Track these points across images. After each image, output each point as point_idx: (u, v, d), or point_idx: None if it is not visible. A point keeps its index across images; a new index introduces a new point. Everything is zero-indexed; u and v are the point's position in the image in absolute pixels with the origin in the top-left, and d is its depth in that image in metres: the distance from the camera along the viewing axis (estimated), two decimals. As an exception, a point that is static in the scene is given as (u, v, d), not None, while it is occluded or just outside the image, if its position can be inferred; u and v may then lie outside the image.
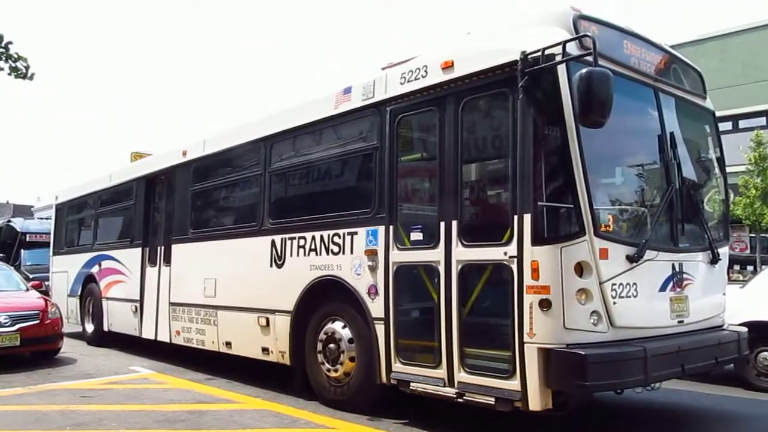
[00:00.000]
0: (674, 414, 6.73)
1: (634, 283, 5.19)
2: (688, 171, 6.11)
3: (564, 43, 4.91)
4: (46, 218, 21.54)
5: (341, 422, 6.09)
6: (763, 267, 20.54)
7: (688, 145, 6.24)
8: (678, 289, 5.67)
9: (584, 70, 4.65)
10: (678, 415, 6.71)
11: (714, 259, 6.18)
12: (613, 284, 5.03)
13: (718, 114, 6.88)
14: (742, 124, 22.48)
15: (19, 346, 9.45)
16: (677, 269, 5.67)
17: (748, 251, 21.72)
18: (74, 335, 12.74)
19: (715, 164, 6.82)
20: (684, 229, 5.79)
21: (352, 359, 6.47)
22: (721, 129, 6.99)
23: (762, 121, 22.38)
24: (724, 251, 6.42)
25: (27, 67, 6.89)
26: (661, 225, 5.64)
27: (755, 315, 7.64)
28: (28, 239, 21.72)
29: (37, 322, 9.72)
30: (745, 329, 6.44)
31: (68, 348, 10.99)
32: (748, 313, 7.57)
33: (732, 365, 7.66)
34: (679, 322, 5.66)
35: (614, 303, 5.01)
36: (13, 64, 6.79)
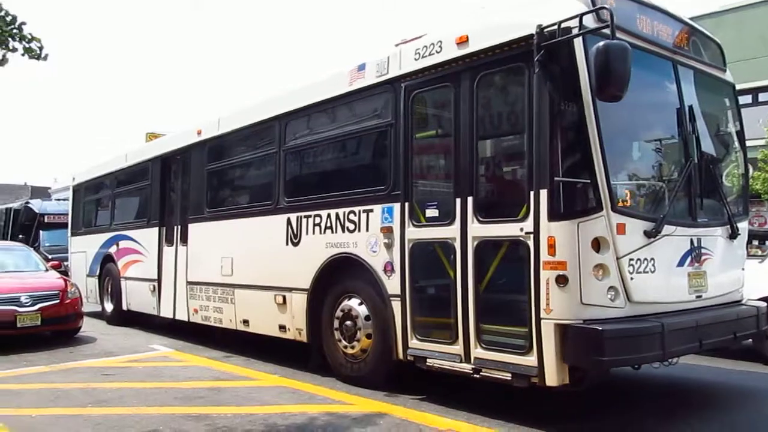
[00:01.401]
0: (692, 389, 6.71)
1: (652, 259, 5.15)
2: (707, 145, 6.03)
3: (581, 16, 4.84)
4: (64, 199, 21.67)
5: (358, 398, 6.14)
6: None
7: (707, 119, 6.15)
8: (696, 264, 5.62)
9: (601, 44, 4.58)
10: (696, 390, 6.70)
11: (733, 234, 6.12)
12: (631, 259, 4.99)
13: (737, 87, 6.76)
14: (762, 97, 22.12)
15: (40, 326, 9.60)
16: (695, 244, 5.62)
17: (767, 226, 21.46)
18: (94, 315, 12.90)
19: (735, 138, 6.72)
20: (702, 203, 5.73)
21: (368, 336, 6.50)
22: (740, 102, 6.88)
23: (782, 94, 22.00)
24: (743, 226, 6.36)
25: (41, 48, 6.87)
26: (679, 200, 5.57)
27: None
28: (46, 220, 21.90)
29: (57, 301, 9.86)
30: (764, 304, 6.38)
31: (88, 327, 11.15)
32: (766, 288, 7.49)
33: (750, 340, 7.62)
34: (697, 297, 5.62)
35: (631, 278, 4.98)
36: (27, 45, 6.78)
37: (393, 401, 6.00)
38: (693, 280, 5.58)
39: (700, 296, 5.66)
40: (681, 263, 5.49)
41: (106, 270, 12.79)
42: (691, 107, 5.74)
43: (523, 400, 5.74)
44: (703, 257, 5.69)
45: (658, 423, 5.41)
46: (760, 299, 6.69)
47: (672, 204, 5.42)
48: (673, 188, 5.52)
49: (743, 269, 6.40)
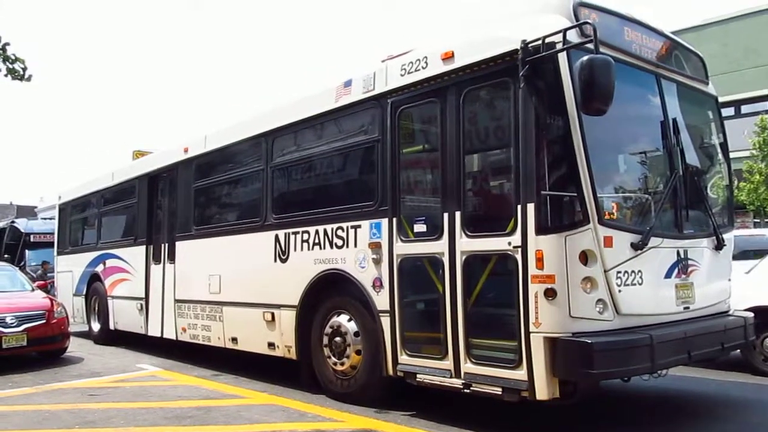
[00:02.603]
0: (681, 400, 6.72)
1: (639, 271, 5.18)
2: (692, 157, 6.07)
3: (564, 31, 4.89)
4: (50, 218, 21.56)
5: (349, 415, 6.10)
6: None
7: (691, 131, 6.21)
8: (683, 276, 5.65)
9: (585, 58, 4.62)
10: (685, 401, 6.70)
11: (719, 245, 6.16)
12: (618, 272, 5.01)
13: (720, 99, 6.84)
14: (744, 109, 22.40)
15: (26, 346, 9.48)
16: (682, 256, 5.66)
17: (752, 237, 21.62)
18: (81, 334, 12.78)
19: (719, 150, 6.78)
20: (688, 215, 5.78)
21: (358, 352, 6.47)
22: (723, 114, 6.95)
23: (765, 105, 22.26)
24: (729, 237, 6.40)
25: (24, 69, 6.89)
26: (665, 212, 5.61)
27: (761, 300, 7.61)
28: (32, 239, 21.76)
29: (44, 321, 9.75)
30: (751, 314, 6.42)
31: (75, 347, 11.03)
32: (755, 298, 7.55)
33: (739, 351, 7.64)
34: (684, 308, 5.64)
35: (619, 291, 5.00)
36: (11, 66, 6.78)
37: (383, 418, 5.96)
38: (680, 292, 5.61)
39: (688, 308, 5.68)
40: (668, 275, 5.52)
41: (93, 289, 12.68)
42: (674, 120, 5.79)
43: (515, 414, 5.72)
44: (689, 269, 5.73)
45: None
46: (747, 309, 6.73)
47: (658, 216, 5.46)
48: (659, 200, 5.56)
49: (730, 280, 6.44)
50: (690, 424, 5.72)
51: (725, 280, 6.37)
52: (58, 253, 14.93)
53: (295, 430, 5.62)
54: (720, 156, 6.80)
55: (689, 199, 5.81)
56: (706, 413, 6.21)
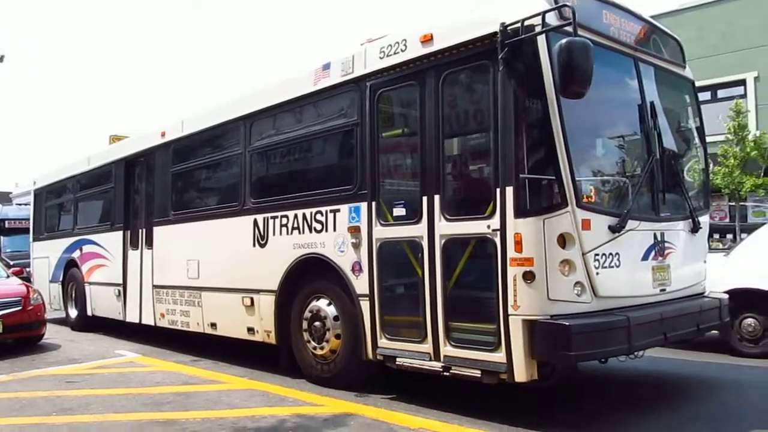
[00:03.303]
0: (658, 381, 6.81)
1: (617, 253, 5.22)
2: (669, 141, 6.13)
3: (543, 14, 4.87)
4: (25, 204, 21.27)
5: (329, 399, 6.11)
6: (744, 235, 20.82)
7: (668, 115, 6.25)
8: (660, 258, 5.71)
9: (564, 41, 4.62)
10: (662, 382, 6.80)
11: (695, 228, 6.23)
12: (596, 255, 5.05)
13: (697, 84, 6.88)
14: (720, 93, 22.54)
15: (1, 334, 9.41)
16: (659, 238, 5.71)
17: (727, 220, 21.89)
18: (58, 321, 12.69)
19: (695, 133, 6.84)
20: (665, 198, 5.83)
21: (337, 336, 6.47)
22: (700, 99, 7.00)
23: (740, 90, 22.45)
24: (704, 220, 6.47)
25: (-4, 50, 6.71)
26: (642, 195, 5.66)
27: (739, 282, 7.73)
28: (7, 226, 21.47)
29: (20, 308, 9.65)
30: (725, 296, 6.51)
31: (52, 334, 10.95)
32: (733, 281, 7.66)
33: (717, 332, 7.77)
34: (661, 290, 5.71)
35: (597, 273, 5.04)
36: (-18, 47, 6.63)
37: (363, 401, 5.98)
38: (657, 274, 5.67)
39: (664, 290, 5.75)
40: (645, 257, 5.57)
41: (70, 275, 12.56)
42: (652, 103, 5.83)
43: (494, 396, 5.76)
44: (666, 251, 5.78)
45: (627, 414, 5.48)
46: (726, 291, 6.81)
47: (635, 199, 5.49)
48: (636, 183, 5.60)
49: (705, 262, 6.52)
50: (666, 405, 5.80)
51: (701, 263, 6.44)
52: (34, 239, 14.75)
53: (275, 415, 5.61)
54: (696, 140, 6.86)
55: (666, 182, 5.86)
56: (682, 394, 6.30)
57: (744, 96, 22.23)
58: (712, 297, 6.36)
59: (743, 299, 7.57)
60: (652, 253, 5.64)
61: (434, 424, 5.19)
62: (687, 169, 6.64)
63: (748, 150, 20.14)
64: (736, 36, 22.21)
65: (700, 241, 6.41)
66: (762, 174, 20.70)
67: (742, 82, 22.55)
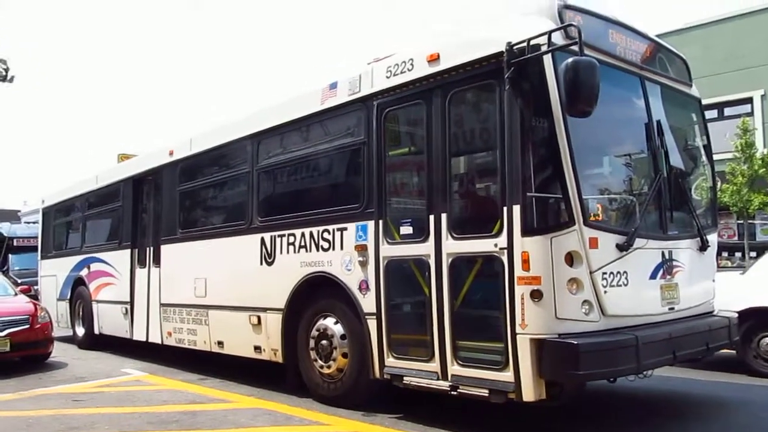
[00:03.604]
0: (668, 401, 6.75)
1: (625, 272, 5.20)
2: (676, 159, 6.12)
3: (549, 33, 4.90)
4: (34, 222, 21.39)
5: (336, 418, 6.08)
6: (753, 253, 20.71)
7: (675, 133, 6.25)
8: (668, 277, 5.68)
9: (570, 60, 4.64)
10: (671, 401, 6.73)
11: (703, 246, 6.20)
12: (604, 273, 5.03)
13: (704, 102, 6.89)
14: (727, 111, 22.57)
15: (8, 352, 9.39)
16: (667, 257, 5.69)
17: (735, 238, 21.82)
18: (65, 339, 12.68)
19: (702, 152, 6.84)
20: (672, 216, 5.82)
21: (344, 355, 6.45)
22: (707, 117, 7.01)
23: (747, 108, 22.47)
24: (712, 238, 6.44)
25: (6, 70, 6.80)
26: (649, 213, 5.66)
27: (756, 301, 7.62)
28: (15, 244, 21.56)
29: (27, 326, 9.65)
30: (735, 315, 6.47)
31: (59, 352, 10.93)
32: (750, 299, 7.59)
33: (734, 352, 7.69)
34: (669, 309, 5.68)
35: (605, 292, 5.02)
36: (-7, 67, 6.70)
37: (371, 421, 5.95)
38: (665, 293, 5.64)
39: (673, 308, 5.72)
40: (653, 276, 5.55)
41: (78, 293, 12.58)
42: (659, 122, 5.83)
43: (501, 415, 5.72)
44: (674, 269, 5.76)
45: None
46: (743, 310, 6.72)
47: (643, 217, 5.49)
48: (644, 202, 5.60)
49: (714, 280, 6.48)
50: (675, 424, 5.75)
51: (709, 281, 6.41)
52: (42, 257, 14.80)
53: (281, 434, 5.59)
54: (704, 157, 6.86)
55: (673, 200, 5.85)
56: (692, 413, 6.24)
57: (751, 114, 22.24)
58: (722, 316, 6.32)
59: (760, 318, 7.49)
60: (661, 272, 5.61)
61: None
62: (694, 187, 6.63)
63: (755, 168, 20.11)
64: (742, 54, 22.26)
65: (708, 260, 6.38)
66: (771, 191, 20.65)
67: (749, 100, 22.58)
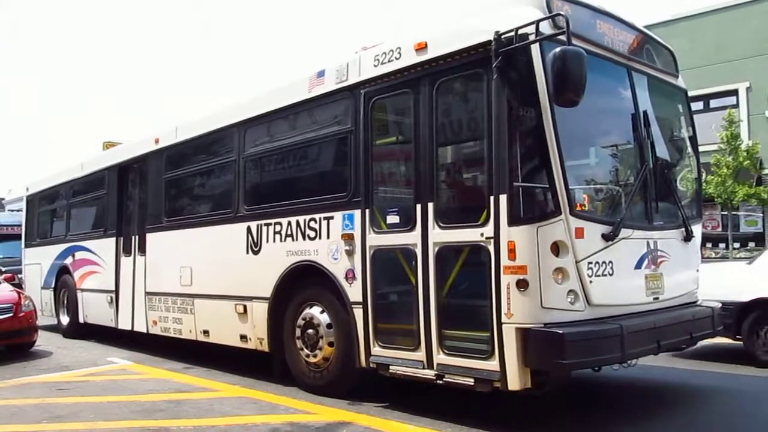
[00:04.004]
0: (651, 390, 6.78)
1: (610, 261, 5.23)
2: (662, 150, 6.15)
3: (537, 23, 4.90)
4: (18, 210, 21.18)
5: (321, 407, 6.09)
6: (736, 244, 20.91)
7: (661, 124, 6.28)
8: (653, 267, 5.72)
9: (558, 49, 4.64)
10: (654, 391, 6.76)
11: (688, 237, 6.24)
12: (590, 263, 5.06)
13: (690, 94, 6.92)
14: (713, 103, 22.69)
15: (-8, 340, 9.30)
16: (652, 247, 5.73)
17: (720, 229, 22.00)
18: (50, 328, 12.61)
19: (688, 143, 6.87)
20: (658, 207, 5.86)
21: (330, 344, 6.45)
22: (693, 108, 7.04)
23: (732, 100, 22.61)
24: (697, 228, 6.49)
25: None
26: (635, 203, 5.68)
27: (764, 291, 7.59)
28: (-1, 232, 21.33)
29: (11, 315, 9.58)
30: (718, 305, 6.51)
31: (43, 341, 10.88)
32: (757, 290, 7.59)
33: (742, 343, 7.77)
34: (654, 299, 5.72)
35: (591, 281, 5.04)
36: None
37: (357, 409, 5.96)
38: (650, 282, 5.68)
39: (657, 298, 5.76)
40: (638, 266, 5.58)
41: (62, 282, 12.49)
42: (645, 113, 5.85)
43: (486, 403, 5.75)
44: (659, 259, 5.80)
45: (619, 423, 5.48)
46: (750, 301, 6.70)
47: (629, 207, 5.52)
48: (630, 192, 5.62)
49: (698, 270, 6.53)
50: (659, 413, 5.80)
51: (694, 271, 6.46)
52: (26, 246, 14.69)
53: (267, 423, 5.58)
54: (689, 149, 6.89)
55: (659, 191, 5.89)
56: (676, 402, 6.29)
57: (736, 106, 22.39)
58: (705, 305, 6.37)
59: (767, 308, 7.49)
60: (645, 262, 5.65)
61: (427, 433, 5.17)
62: (680, 178, 6.67)
63: (740, 159, 20.28)
64: (728, 46, 22.38)
65: (692, 250, 6.44)
66: (754, 183, 20.84)
67: (735, 92, 22.71)
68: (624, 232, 5.31)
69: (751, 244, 21.52)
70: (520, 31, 4.95)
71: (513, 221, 4.90)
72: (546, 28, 4.97)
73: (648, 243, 5.69)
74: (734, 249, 20.79)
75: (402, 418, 5.61)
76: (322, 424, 5.52)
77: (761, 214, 21.61)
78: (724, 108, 21.75)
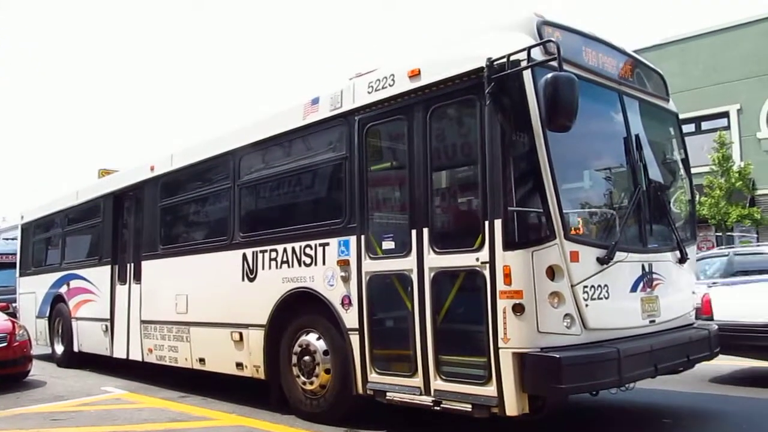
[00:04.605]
0: (648, 414, 6.75)
1: (606, 285, 5.23)
2: (655, 173, 6.17)
3: (529, 49, 4.96)
4: (12, 239, 21.11)
5: (318, 436, 6.05)
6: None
7: (654, 147, 6.33)
8: (648, 289, 5.72)
9: (549, 75, 4.70)
10: (651, 414, 6.72)
11: (682, 259, 6.25)
12: (585, 286, 5.06)
13: (681, 116, 6.99)
14: (704, 125, 22.91)
15: (-14, 370, 9.22)
16: (647, 269, 5.73)
17: (715, 250, 22.08)
18: (44, 357, 12.51)
19: (680, 165, 6.92)
20: (652, 229, 5.88)
21: (327, 371, 6.41)
22: (684, 131, 7.10)
23: (724, 122, 22.83)
24: (691, 250, 6.51)
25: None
26: (629, 226, 5.70)
27: None
28: (-7, 260, 21.23)
29: (5, 345, 9.51)
30: (715, 326, 6.51)
31: (38, 370, 10.78)
32: None
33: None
34: (650, 321, 5.71)
35: (587, 305, 5.04)
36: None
37: (352, 438, 5.93)
38: (646, 305, 5.68)
39: (653, 321, 5.75)
40: (634, 288, 5.59)
41: (57, 311, 12.41)
42: (637, 136, 5.89)
43: (485, 429, 5.71)
44: (654, 282, 5.80)
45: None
46: None
47: (623, 230, 5.53)
48: (624, 215, 5.64)
49: (694, 293, 6.55)
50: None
51: (689, 293, 6.47)
52: (21, 275, 14.60)
53: (263, 452, 5.55)
54: (682, 171, 6.94)
55: (653, 213, 5.91)
56: (672, 427, 6.25)
57: (728, 128, 22.61)
58: (701, 327, 6.37)
59: None
60: (641, 285, 5.65)
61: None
62: (673, 200, 6.69)
63: (733, 181, 20.42)
64: (718, 69, 22.64)
65: (687, 272, 6.44)
66: (747, 204, 20.96)
67: (726, 114, 22.95)
68: (619, 255, 5.33)
69: (746, 265, 21.52)
70: (512, 58, 5.00)
71: (508, 246, 4.91)
72: (537, 54, 5.02)
73: (643, 266, 5.70)
74: None
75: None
76: (318, 453, 5.48)
77: (755, 235, 21.68)
78: (715, 130, 21.95)
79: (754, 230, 21.58)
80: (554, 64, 4.81)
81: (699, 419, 6.56)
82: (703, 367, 6.66)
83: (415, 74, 5.78)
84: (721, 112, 22.86)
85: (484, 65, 5.08)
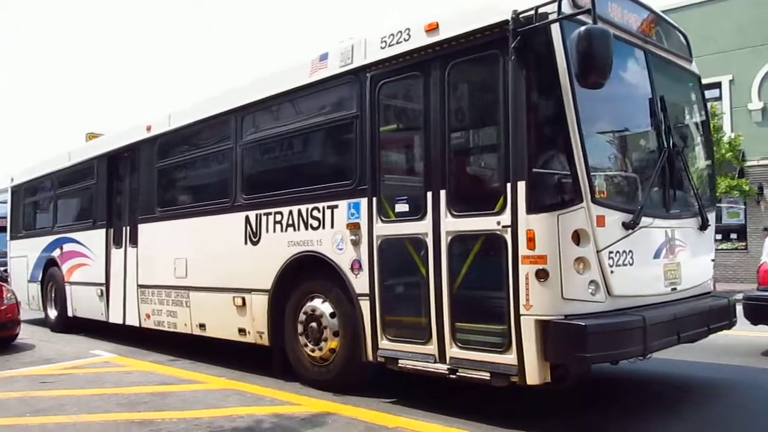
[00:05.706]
0: (667, 384, 6.59)
1: (630, 251, 5.04)
2: (679, 136, 5.97)
3: (559, 1, 4.68)
4: (2, 202, 20.78)
5: (306, 398, 5.98)
6: (718, 236, 20.88)
7: (677, 110, 6.13)
8: (671, 256, 5.54)
9: (583, 29, 4.42)
10: (670, 384, 6.56)
11: (703, 225, 6.07)
12: (610, 252, 4.86)
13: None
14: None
15: (-27, 334, 9.00)
16: (670, 236, 5.55)
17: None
18: (37, 322, 12.34)
19: (701, 129, 6.70)
20: (675, 195, 5.66)
21: (335, 335, 6.22)
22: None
23: (716, 93, 22.61)
24: (711, 217, 6.31)
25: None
26: (654, 191, 5.48)
27: None
28: (-18, 224, 20.91)
29: (-8, 308, 9.26)
30: (733, 296, 6.36)
31: (28, 334, 10.63)
32: None
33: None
34: (672, 289, 5.55)
35: (612, 272, 4.85)
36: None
37: (342, 401, 5.83)
38: (668, 272, 5.51)
39: (675, 288, 5.59)
40: (657, 255, 5.40)
41: (49, 275, 12.15)
42: (662, 97, 5.63)
43: (496, 398, 5.55)
44: (676, 249, 5.62)
45: (636, 419, 5.28)
46: None
47: (648, 195, 5.32)
48: (649, 179, 5.42)
49: (713, 260, 6.37)
50: (674, 408, 5.60)
51: (708, 261, 6.30)
52: (11, 238, 14.30)
53: (252, 415, 5.43)
54: (703, 135, 6.72)
55: (676, 178, 5.68)
56: (691, 397, 6.11)
57: (719, 98, 22.42)
58: (721, 296, 6.22)
59: None
60: (664, 251, 5.47)
61: (414, 424, 5.05)
62: (695, 165, 6.49)
63: (722, 152, 20.28)
64: (712, 39, 22.34)
65: (707, 239, 6.26)
66: (736, 175, 20.90)
67: (718, 85, 22.71)
68: (644, 221, 5.12)
69: (734, 236, 21.60)
70: (540, 10, 4.73)
71: (532, 209, 4.69)
72: (566, 7, 4.75)
73: (666, 232, 5.51)
74: (717, 241, 20.79)
75: (404, 412, 5.41)
76: (306, 415, 5.39)
77: (743, 206, 21.66)
78: (707, 101, 21.76)
79: (743, 202, 21.54)
80: (583, 18, 4.57)
81: (718, 390, 6.40)
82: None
83: (432, 28, 5.49)
84: (714, 82, 22.60)
85: (509, 18, 4.80)
